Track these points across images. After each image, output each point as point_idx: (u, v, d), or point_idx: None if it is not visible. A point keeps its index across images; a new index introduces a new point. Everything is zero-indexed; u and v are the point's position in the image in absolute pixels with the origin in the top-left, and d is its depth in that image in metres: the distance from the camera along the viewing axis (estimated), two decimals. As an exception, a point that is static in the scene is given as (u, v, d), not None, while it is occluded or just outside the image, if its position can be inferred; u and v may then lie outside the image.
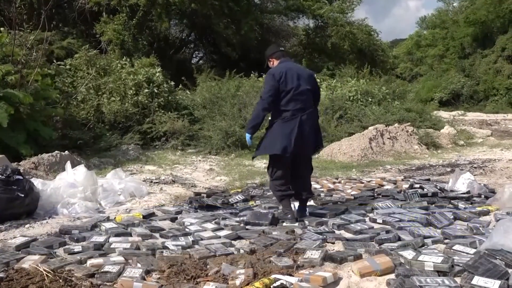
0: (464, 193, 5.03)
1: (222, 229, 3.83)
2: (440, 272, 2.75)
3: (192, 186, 6.00)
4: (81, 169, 4.87)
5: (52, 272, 2.75)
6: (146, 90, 10.00)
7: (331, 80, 13.99)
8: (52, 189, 4.61)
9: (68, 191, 4.62)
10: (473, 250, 3.07)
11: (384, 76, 15.31)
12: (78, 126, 8.74)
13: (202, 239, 3.55)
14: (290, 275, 2.74)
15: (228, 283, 2.66)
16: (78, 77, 10.34)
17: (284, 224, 3.99)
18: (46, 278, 2.69)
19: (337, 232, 3.77)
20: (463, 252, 3.05)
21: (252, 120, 4.17)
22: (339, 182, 6.10)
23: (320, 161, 8.24)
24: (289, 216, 4.10)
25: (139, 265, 2.96)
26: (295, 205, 4.35)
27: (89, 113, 9.32)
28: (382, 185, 5.84)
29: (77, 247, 3.30)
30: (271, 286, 2.54)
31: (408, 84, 20.17)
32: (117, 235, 3.62)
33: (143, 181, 5.86)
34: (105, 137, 8.75)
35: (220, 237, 3.60)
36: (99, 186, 4.87)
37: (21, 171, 4.82)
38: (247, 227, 3.92)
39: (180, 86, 12.02)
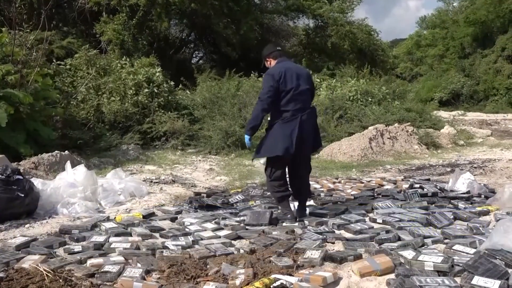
0: (464, 193, 5.03)
1: (222, 229, 3.83)
2: (440, 272, 2.75)
3: (192, 186, 6.00)
4: (81, 169, 4.87)
5: (52, 272, 2.75)
6: (146, 90, 10.00)
7: (331, 80, 13.98)
8: (52, 189, 4.61)
9: (68, 191, 4.62)
10: (473, 250, 3.07)
11: (384, 76, 15.31)
12: (78, 126, 8.74)
13: (202, 239, 3.55)
14: (290, 275, 2.74)
15: (228, 283, 2.66)
16: (78, 77, 10.34)
17: (284, 224, 3.99)
18: (46, 278, 2.69)
19: (337, 232, 3.78)
20: (463, 252, 3.05)
21: (251, 122, 4.12)
22: (339, 182, 6.10)
23: (320, 161, 8.24)
24: (288, 216, 4.09)
25: (139, 265, 2.96)
26: (295, 205, 4.35)
27: (89, 113, 9.32)
28: (382, 185, 5.84)
29: (77, 247, 3.30)
30: (271, 286, 2.54)
31: (408, 84, 20.18)
32: (117, 235, 3.62)
33: (143, 181, 5.86)
34: (105, 137, 8.75)
35: (220, 237, 3.60)
36: (99, 186, 4.87)
37: (21, 171, 4.82)
38: (247, 227, 3.92)
39: (180, 86, 12.03)
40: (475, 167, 7.29)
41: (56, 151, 6.41)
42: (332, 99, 11.29)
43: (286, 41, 21.37)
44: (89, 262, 2.99)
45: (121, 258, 3.06)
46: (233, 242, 3.50)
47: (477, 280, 2.56)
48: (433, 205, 4.62)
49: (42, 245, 3.34)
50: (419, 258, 2.87)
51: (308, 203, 4.48)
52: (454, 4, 32.24)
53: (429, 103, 21.88)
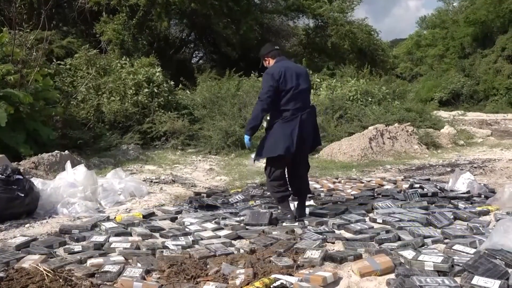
0: (464, 193, 5.03)
1: (222, 228, 3.83)
2: (440, 272, 2.75)
3: (192, 186, 6.00)
4: (81, 168, 4.87)
5: (52, 272, 2.75)
6: (146, 90, 10.00)
7: (331, 80, 13.98)
8: (52, 189, 4.61)
9: (68, 191, 4.62)
10: (473, 250, 3.07)
11: (384, 76, 15.30)
12: (78, 125, 8.74)
13: (202, 239, 3.55)
14: (290, 275, 2.74)
15: (228, 283, 2.66)
16: (78, 77, 10.34)
17: (284, 224, 3.99)
18: (46, 277, 2.69)
19: (337, 232, 3.78)
20: (463, 252, 3.05)
21: (251, 122, 4.09)
22: (339, 182, 6.10)
23: (320, 161, 8.24)
24: (288, 216, 4.09)
25: (139, 264, 2.96)
26: (295, 204, 4.35)
27: (89, 113, 9.32)
28: (382, 185, 5.83)
29: (77, 247, 3.30)
30: (271, 286, 2.54)
31: (408, 84, 20.18)
32: (117, 234, 3.62)
33: (143, 180, 5.86)
34: (105, 136, 8.75)
35: (220, 236, 3.60)
36: (99, 186, 4.87)
37: (21, 170, 4.83)
38: (247, 227, 3.92)
39: (180, 86, 12.03)
40: (475, 167, 7.29)
41: (56, 151, 6.41)
42: (332, 99, 11.28)
43: (286, 41, 21.36)
44: (89, 262, 2.99)
45: (121, 258, 3.07)
46: (233, 242, 3.50)
47: (477, 280, 2.56)
48: (433, 205, 4.62)
49: (42, 245, 3.34)
50: (419, 258, 2.87)
51: (308, 203, 4.48)
52: (454, 4, 32.28)
53: (429, 103, 21.90)
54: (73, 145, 7.91)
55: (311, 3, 20.23)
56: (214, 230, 3.77)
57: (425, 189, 5.16)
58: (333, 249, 3.30)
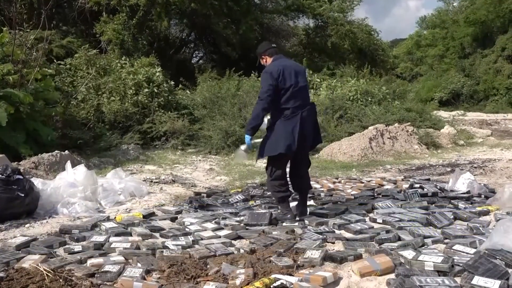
0: (464, 193, 5.03)
1: (222, 228, 3.83)
2: (440, 272, 2.75)
3: (192, 186, 6.00)
4: (81, 168, 4.87)
5: (52, 272, 2.75)
6: (146, 90, 10.00)
7: (331, 79, 13.98)
8: (52, 189, 4.61)
9: (68, 191, 4.62)
10: (473, 250, 3.07)
11: (384, 76, 15.30)
12: (78, 125, 8.75)
13: (202, 239, 3.55)
14: (290, 274, 2.74)
15: (228, 283, 2.66)
16: (78, 77, 10.35)
17: (284, 224, 3.98)
18: (46, 277, 2.69)
19: (337, 232, 3.78)
20: (463, 252, 3.05)
21: (251, 121, 4.05)
22: (339, 182, 6.10)
23: (320, 161, 8.24)
24: (288, 216, 4.09)
25: (139, 264, 2.96)
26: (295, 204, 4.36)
27: (89, 113, 9.32)
28: (382, 185, 5.83)
29: (77, 247, 3.30)
30: (271, 286, 2.54)
31: (408, 84, 20.18)
32: (117, 234, 3.62)
33: (143, 180, 5.86)
34: (105, 136, 8.75)
35: (220, 236, 3.60)
36: (99, 186, 4.87)
37: (21, 170, 4.83)
38: (247, 227, 3.92)
39: (180, 86, 12.03)
40: (475, 167, 7.29)
41: (56, 151, 6.41)
42: (332, 99, 11.28)
43: (286, 41, 21.36)
44: (89, 262, 2.99)
45: (121, 258, 3.07)
46: (233, 242, 3.50)
47: (477, 280, 2.56)
48: (433, 205, 4.62)
49: (42, 245, 3.34)
50: (419, 258, 2.87)
51: (308, 203, 4.47)
52: (454, 4, 32.28)
53: (429, 103, 21.91)
54: (73, 145, 7.91)
55: (311, 2, 20.22)
56: (214, 230, 3.77)
57: (425, 189, 5.16)
58: (333, 249, 3.30)
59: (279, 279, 2.62)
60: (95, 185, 4.81)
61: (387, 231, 3.67)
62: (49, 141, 7.08)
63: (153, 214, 4.41)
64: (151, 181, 6.02)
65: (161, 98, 10.12)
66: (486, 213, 4.27)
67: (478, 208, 4.38)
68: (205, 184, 6.24)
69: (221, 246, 3.32)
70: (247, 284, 2.58)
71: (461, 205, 4.56)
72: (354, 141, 8.85)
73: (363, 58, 21.33)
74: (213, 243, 3.38)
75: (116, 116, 9.48)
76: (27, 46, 8.09)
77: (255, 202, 4.89)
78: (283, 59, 4.16)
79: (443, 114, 15.77)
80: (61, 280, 2.67)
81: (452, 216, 4.07)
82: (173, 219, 4.21)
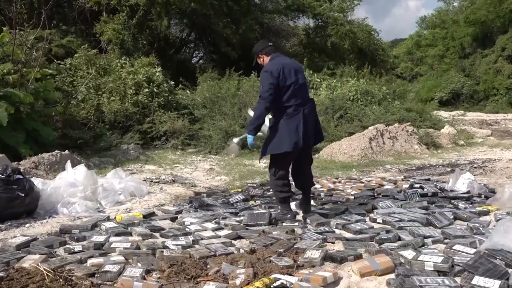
0: (464, 193, 5.03)
1: (222, 228, 3.83)
2: (440, 272, 2.75)
3: (192, 186, 6.00)
4: (81, 168, 4.87)
5: (52, 272, 2.75)
6: (146, 90, 10.00)
7: (331, 79, 13.99)
8: (52, 189, 4.61)
9: (68, 191, 4.62)
10: (473, 250, 3.07)
11: (384, 76, 15.30)
12: (78, 125, 8.75)
13: (202, 239, 3.56)
14: (290, 274, 2.74)
15: (228, 283, 2.66)
16: (78, 77, 10.35)
17: (284, 224, 3.99)
18: (46, 277, 2.69)
19: (337, 231, 3.78)
20: (463, 252, 3.05)
21: (254, 121, 4.01)
22: (339, 182, 6.10)
23: (320, 161, 8.24)
24: (288, 216, 4.09)
25: (139, 264, 2.96)
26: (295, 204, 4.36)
27: (89, 113, 9.32)
28: (382, 185, 5.83)
29: (77, 247, 3.31)
30: (271, 286, 2.54)
31: (408, 84, 20.19)
32: (117, 234, 3.62)
33: (143, 180, 5.86)
34: (105, 136, 8.75)
35: (220, 236, 3.60)
36: (99, 186, 4.87)
37: (21, 170, 4.82)
38: (247, 227, 3.92)
39: (180, 86, 12.03)
40: (475, 167, 7.29)
41: (56, 151, 6.41)
42: (332, 99, 11.29)
43: (286, 41, 21.36)
44: (89, 261, 2.99)
45: (121, 258, 3.07)
46: (233, 242, 3.50)
47: (477, 280, 2.56)
48: (433, 205, 4.62)
49: (43, 244, 3.34)
50: (419, 258, 2.87)
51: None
52: (454, 4, 32.29)
53: (429, 103, 21.89)
54: (73, 145, 7.92)
55: (311, 1, 20.21)
56: (214, 230, 3.77)
57: (425, 189, 5.16)
58: (333, 249, 3.30)
59: (279, 279, 2.62)
60: (95, 185, 4.81)
61: (387, 231, 3.67)
62: (49, 141, 7.08)
63: (153, 214, 4.41)
64: (151, 181, 6.02)
65: (161, 98, 10.12)
66: (486, 213, 4.27)
67: (478, 208, 4.38)
68: (205, 184, 6.24)
69: (221, 246, 3.33)
70: (247, 284, 2.58)
71: (461, 205, 4.56)
72: (354, 141, 8.85)
73: (363, 58, 21.33)
74: (213, 243, 3.38)
75: (116, 116, 9.48)
76: (27, 46, 8.09)
77: (255, 202, 4.89)
78: (281, 57, 4.14)
79: (443, 114, 15.77)
80: (61, 280, 2.67)
81: (452, 216, 4.08)
82: (173, 219, 4.21)
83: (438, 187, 5.37)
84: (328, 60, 21.18)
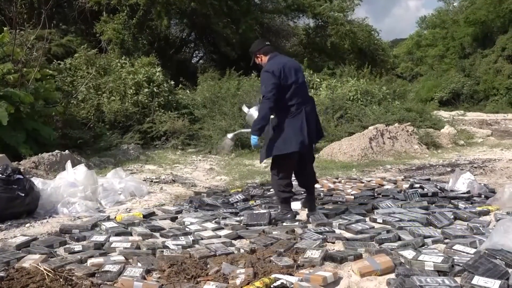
0: (464, 193, 5.03)
1: (222, 228, 3.84)
2: (440, 272, 2.75)
3: (192, 186, 6.00)
4: (82, 168, 4.87)
5: (52, 271, 2.75)
6: (146, 90, 10.01)
7: (331, 79, 13.99)
8: (52, 189, 4.61)
9: (68, 191, 4.62)
10: (473, 250, 3.07)
11: (384, 76, 15.30)
12: (78, 125, 8.75)
13: (202, 239, 3.56)
14: (291, 274, 2.74)
15: (228, 283, 2.66)
16: (78, 77, 10.35)
17: (284, 224, 3.99)
18: (46, 277, 2.69)
19: (337, 231, 3.78)
20: (463, 252, 3.05)
21: (259, 121, 3.95)
22: (339, 182, 6.10)
23: (320, 160, 8.24)
24: (288, 216, 4.08)
25: (139, 264, 2.96)
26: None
27: (89, 113, 9.33)
28: (382, 185, 5.83)
29: (78, 247, 3.31)
30: (272, 286, 2.54)
31: (408, 84, 20.19)
32: (117, 234, 3.62)
33: (143, 180, 5.86)
34: (105, 136, 8.76)
35: (220, 236, 3.60)
36: (99, 186, 4.87)
37: (22, 170, 4.83)
38: (247, 227, 3.92)
39: (180, 86, 12.03)
40: (475, 167, 7.29)
41: (56, 151, 6.41)
42: (333, 99, 11.29)
43: (286, 41, 21.35)
44: (89, 261, 2.99)
45: (122, 258, 3.07)
46: (233, 241, 3.50)
47: (477, 280, 2.56)
48: (433, 205, 4.62)
49: (43, 244, 3.34)
50: (419, 258, 2.87)
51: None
52: (454, 4, 32.26)
53: (429, 103, 21.85)
54: (73, 145, 7.92)
55: (311, 0, 20.19)
56: (214, 229, 3.77)
57: (425, 189, 5.16)
58: (333, 249, 3.30)
59: (279, 279, 2.62)
60: (95, 185, 4.82)
61: (387, 231, 3.67)
62: (49, 141, 7.08)
63: (153, 213, 4.41)
64: (151, 181, 6.03)
65: (161, 98, 10.12)
66: (486, 213, 4.27)
67: (478, 208, 4.38)
68: (205, 184, 6.24)
69: (221, 245, 3.33)
70: (247, 284, 2.58)
71: (461, 205, 4.56)
72: (354, 141, 8.85)
73: (363, 58, 21.32)
74: (213, 243, 3.38)
75: (116, 116, 9.48)
76: (27, 46, 8.09)
77: (255, 202, 4.89)
78: (279, 57, 4.13)
79: (443, 114, 15.77)
80: (61, 280, 2.67)
81: (452, 216, 4.08)
82: (173, 219, 4.21)
83: (438, 187, 5.37)
84: (328, 60, 21.17)
